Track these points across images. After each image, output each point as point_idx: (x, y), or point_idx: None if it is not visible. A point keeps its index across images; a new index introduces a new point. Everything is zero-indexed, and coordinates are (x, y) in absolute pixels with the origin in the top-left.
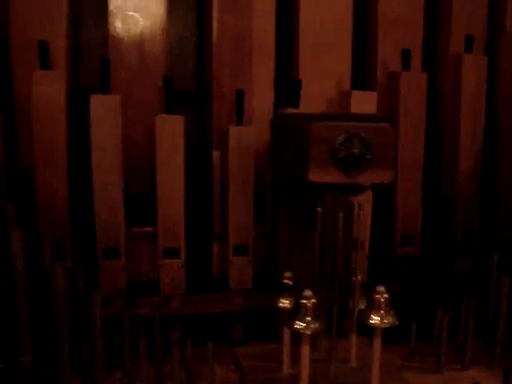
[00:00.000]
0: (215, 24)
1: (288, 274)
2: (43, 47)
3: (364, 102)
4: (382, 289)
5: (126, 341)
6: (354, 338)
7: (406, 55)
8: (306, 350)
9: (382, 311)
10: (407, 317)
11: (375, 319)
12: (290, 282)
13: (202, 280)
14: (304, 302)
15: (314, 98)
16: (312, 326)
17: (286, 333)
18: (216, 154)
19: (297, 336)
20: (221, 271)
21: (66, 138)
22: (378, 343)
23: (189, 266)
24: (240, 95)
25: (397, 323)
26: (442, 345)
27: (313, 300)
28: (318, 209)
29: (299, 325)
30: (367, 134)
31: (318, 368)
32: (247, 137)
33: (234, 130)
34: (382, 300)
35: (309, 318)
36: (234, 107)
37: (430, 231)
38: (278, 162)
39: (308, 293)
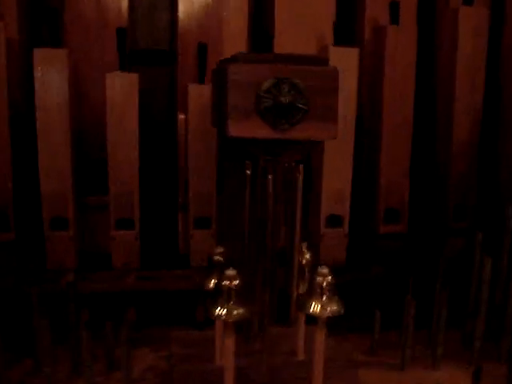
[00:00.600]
0: None
1: (219, 250)
2: None
3: (344, 59)
4: (324, 271)
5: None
6: (301, 328)
7: (394, 8)
8: (229, 341)
9: (324, 298)
10: (389, 303)
11: (315, 307)
12: (221, 259)
13: (168, 255)
14: (226, 283)
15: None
16: (235, 312)
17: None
18: (181, 117)
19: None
20: (186, 246)
21: (7, 96)
22: (320, 336)
23: (151, 239)
24: (202, 49)
25: (342, 312)
26: (407, 338)
27: (236, 281)
28: (247, 171)
29: (219, 311)
30: (302, 79)
31: (255, 360)
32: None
33: (193, 89)
34: (325, 284)
35: (231, 303)
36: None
37: (419, 206)
38: (214, 120)
39: (231, 272)
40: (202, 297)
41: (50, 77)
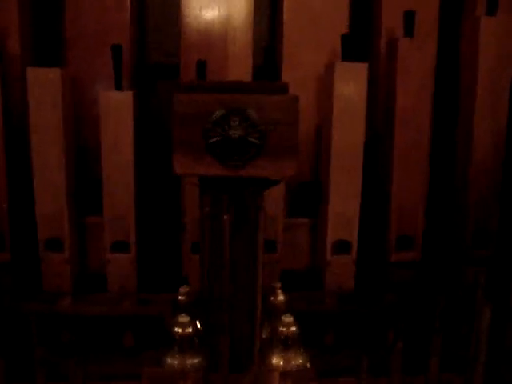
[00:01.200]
0: None
1: (184, 289)
2: None
3: (352, 75)
4: (288, 320)
5: None
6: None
7: (409, 19)
8: None
9: (286, 350)
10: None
11: (275, 360)
12: (186, 299)
13: (170, 278)
14: (178, 330)
15: (301, 69)
16: (189, 361)
17: None
18: None
19: None
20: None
21: (2, 114)
22: None
23: (152, 261)
24: (201, 66)
25: (306, 365)
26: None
27: (189, 329)
28: (206, 209)
29: (171, 361)
30: (256, 110)
31: None
32: None
33: None
34: (289, 335)
35: (183, 353)
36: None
37: (434, 233)
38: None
39: (183, 319)
40: None
41: (44, 96)
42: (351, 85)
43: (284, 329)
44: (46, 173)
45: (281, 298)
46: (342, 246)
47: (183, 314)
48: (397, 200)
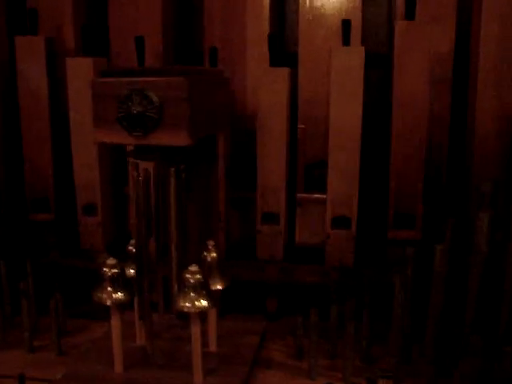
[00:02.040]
0: None
1: (133, 241)
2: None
3: (348, 59)
4: (194, 268)
5: None
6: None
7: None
8: (115, 321)
9: (191, 294)
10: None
11: (183, 304)
12: (133, 250)
13: None
14: (105, 270)
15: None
16: (114, 296)
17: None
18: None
19: None
20: None
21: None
22: (195, 330)
23: None
24: (213, 52)
25: (210, 307)
26: (311, 346)
27: (115, 270)
28: (133, 173)
29: (99, 296)
30: (153, 90)
31: (160, 345)
32: None
33: None
34: (192, 281)
35: (109, 289)
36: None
37: (436, 210)
38: None
39: (111, 261)
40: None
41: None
42: (348, 67)
43: (189, 275)
44: (82, 149)
45: (213, 254)
46: (341, 222)
47: (110, 258)
48: (395, 173)
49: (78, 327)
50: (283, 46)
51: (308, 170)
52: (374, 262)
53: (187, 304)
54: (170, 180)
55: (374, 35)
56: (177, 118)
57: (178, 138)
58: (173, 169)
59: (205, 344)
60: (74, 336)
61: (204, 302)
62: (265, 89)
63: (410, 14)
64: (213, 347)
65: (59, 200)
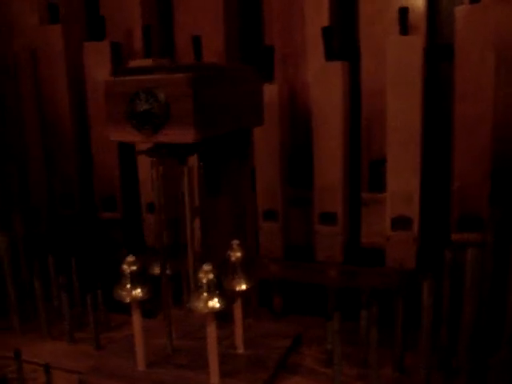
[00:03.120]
0: None
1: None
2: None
3: (405, 49)
4: (207, 268)
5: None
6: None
7: None
8: (135, 318)
9: (204, 294)
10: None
11: (195, 304)
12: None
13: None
14: (125, 267)
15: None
16: (133, 293)
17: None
18: None
19: None
20: None
21: None
22: (210, 330)
23: None
24: (269, 51)
25: (221, 308)
26: (335, 353)
27: (134, 267)
28: (153, 170)
29: (119, 293)
30: (158, 88)
31: (188, 345)
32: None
33: None
34: (205, 281)
35: (129, 286)
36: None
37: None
38: None
39: (130, 258)
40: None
41: None
42: (406, 58)
43: (202, 275)
44: None
45: (238, 254)
46: (402, 222)
47: (130, 255)
48: (459, 172)
49: (121, 323)
50: (346, 38)
51: (373, 168)
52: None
53: (199, 304)
54: (184, 178)
55: (445, 25)
56: (182, 115)
57: (185, 135)
58: (186, 167)
59: (233, 346)
60: (116, 331)
61: (216, 303)
62: (319, 84)
63: None
64: (240, 349)
65: (126, 199)
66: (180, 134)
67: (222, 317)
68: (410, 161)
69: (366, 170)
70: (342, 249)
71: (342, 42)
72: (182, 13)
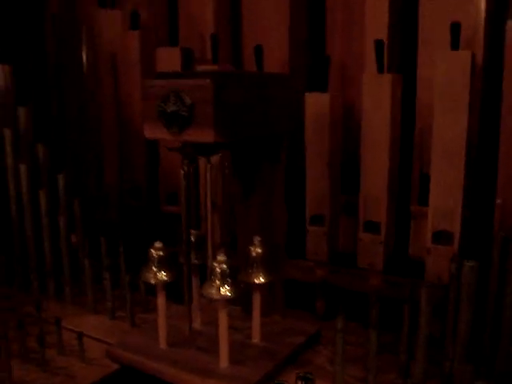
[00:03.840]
0: None
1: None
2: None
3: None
4: (221, 258)
5: None
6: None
7: None
8: (160, 300)
9: (217, 282)
10: None
11: (208, 291)
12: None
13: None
14: (152, 252)
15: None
16: (158, 275)
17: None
18: None
19: None
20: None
21: None
22: (221, 316)
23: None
24: (325, 61)
25: (232, 296)
26: (337, 354)
27: (160, 252)
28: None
29: (146, 275)
30: (185, 92)
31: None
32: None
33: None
34: (219, 270)
35: (155, 269)
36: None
37: None
38: None
39: (158, 244)
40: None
41: None
42: (454, 72)
43: (216, 264)
44: None
45: (258, 250)
46: (442, 237)
47: (158, 242)
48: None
49: None
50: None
51: (423, 181)
52: None
53: (212, 291)
54: (207, 175)
55: None
56: (204, 117)
57: (206, 136)
58: (209, 165)
59: (249, 336)
60: (151, 313)
61: (228, 291)
62: (370, 95)
63: None
64: (255, 339)
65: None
66: (201, 135)
67: (248, 309)
68: (454, 176)
69: (416, 183)
70: (384, 258)
71: (400, 54)
72: (249, 23)
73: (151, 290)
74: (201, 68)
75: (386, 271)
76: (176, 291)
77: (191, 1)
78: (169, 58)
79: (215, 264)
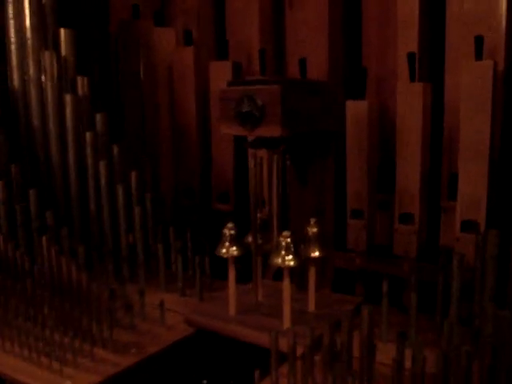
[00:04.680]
0: None
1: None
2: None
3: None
4: (286, 233)
5: None
6: (286, 284)
7: None
8: (231, 272)
9: (282, 252)
10: None
11: (275, 260)
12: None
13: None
14: (225, 231)
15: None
16: (230, 250)
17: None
18: None
19: None
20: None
21: None
22: (285, 282)
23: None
24: (363, 72)
25: (295, 264)
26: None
27: (232, 231)
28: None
29: (219, 250)
30: (257, 95)
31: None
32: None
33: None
34: (284, 243)
35: (227, 244)
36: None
37: None
38: None
39: (230, 225)
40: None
41: None
42: (477, 80)
43: (282, 238)
44: None
45: (314, 229)
46: (469, 226)
47: (230, 222)
48: None
49: (223, 287)
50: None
51: (452, 179)
52: None
53: (278, 260)
54: (273, 164)
55: None
56: (273, 116)
57: (275, 131)
58: (276, 156)
59: (305, 305)
60: (217, 291)
61: (291, 260)
62: (404, 102)
63: None
64: (311, 308)
65: (238, 194)
66: (271, 130)
67: (303, 285)
68: (479, 173)
69: (445, 181)
70: (417, 246)
71: (429, 64)
72: (292, 38)
73: (216, 272)
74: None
75: (419, 259)
76: (239, 273)
77: (238, 19)
78: (221, 71)
79: (281, 238)
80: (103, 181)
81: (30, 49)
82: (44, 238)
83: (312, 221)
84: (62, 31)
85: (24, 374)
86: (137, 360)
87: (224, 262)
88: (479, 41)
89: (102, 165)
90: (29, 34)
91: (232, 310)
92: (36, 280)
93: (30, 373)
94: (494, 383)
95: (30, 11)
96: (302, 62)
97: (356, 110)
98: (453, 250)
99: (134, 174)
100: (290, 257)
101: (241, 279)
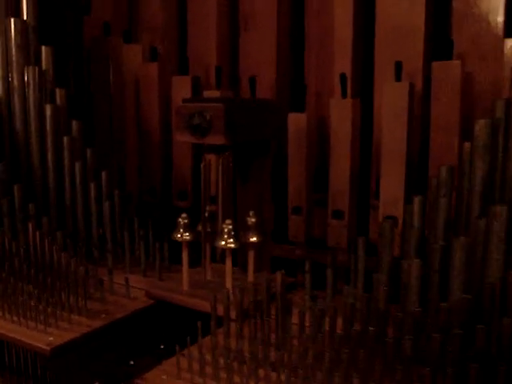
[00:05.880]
0: None
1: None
2: None
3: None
4: (228, 221)
5: None
6: (228, 262)
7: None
8: (184, 254)
9: (225, 236)
10: None
11: (219, 242)
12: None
13: None
14: (180, 220)
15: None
16: (184, 235)
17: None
18: None
19: None
20: None
21: None
22: (228, 262)
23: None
24: (303, 88)
25: (235, 246)
26: None
27: (185, 220)
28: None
29: (175, 235)
30: (205, 111)
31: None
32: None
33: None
34: (226, 230)
35: (181, 230)
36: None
37: None
38: None
39: (184, 215)
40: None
41: None
42: (394, 99)
43: (224, 226)
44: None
45: (253, 219)
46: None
47: (184, 213)
48: None
49: (177, 270)
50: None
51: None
52: None
53: (220, 242)
54: (219, 166)
55: None
56: (218, 128)
57: (219, 140)
58: (221, 159)
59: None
60: (174, 273)
61: (232, 243)
62: (336, 116)
63: None
64: (250, 278)
65: (195, 192)
66: (216, 139)
67: (244, 266)
68: (397, 176)
69: (373, 183)
70: (347, 239)
71: (362, 82)
72: (245, 56)
73: (173, 258)
74: (207, 93)
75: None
76: (192, 259)
77: (198, 37)
78: (182, 85)
79: (224, 225)
80: (78, 179)
81: (15, 63)
82: (30, 225)
83: (251, 212)
84: (43, 48)
85: (16, 333)
86: (106, 323)
87: (180, 248)
88: (398, 65)
89: (76, 165)
90: (14, 51)
91: (185, 286)
92: (22, 259)
93: (21, 332)
94: None
95: (15, 31)
96: (252, 80)
97: (296, 121)
98: None
99: (104, 174)
100: (231, 240)
101: (193, 264)
